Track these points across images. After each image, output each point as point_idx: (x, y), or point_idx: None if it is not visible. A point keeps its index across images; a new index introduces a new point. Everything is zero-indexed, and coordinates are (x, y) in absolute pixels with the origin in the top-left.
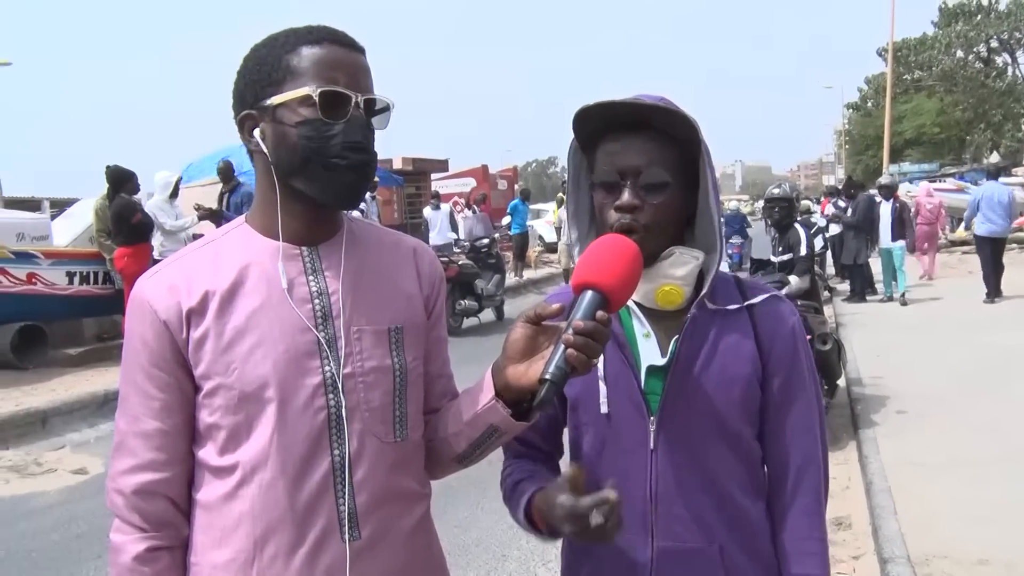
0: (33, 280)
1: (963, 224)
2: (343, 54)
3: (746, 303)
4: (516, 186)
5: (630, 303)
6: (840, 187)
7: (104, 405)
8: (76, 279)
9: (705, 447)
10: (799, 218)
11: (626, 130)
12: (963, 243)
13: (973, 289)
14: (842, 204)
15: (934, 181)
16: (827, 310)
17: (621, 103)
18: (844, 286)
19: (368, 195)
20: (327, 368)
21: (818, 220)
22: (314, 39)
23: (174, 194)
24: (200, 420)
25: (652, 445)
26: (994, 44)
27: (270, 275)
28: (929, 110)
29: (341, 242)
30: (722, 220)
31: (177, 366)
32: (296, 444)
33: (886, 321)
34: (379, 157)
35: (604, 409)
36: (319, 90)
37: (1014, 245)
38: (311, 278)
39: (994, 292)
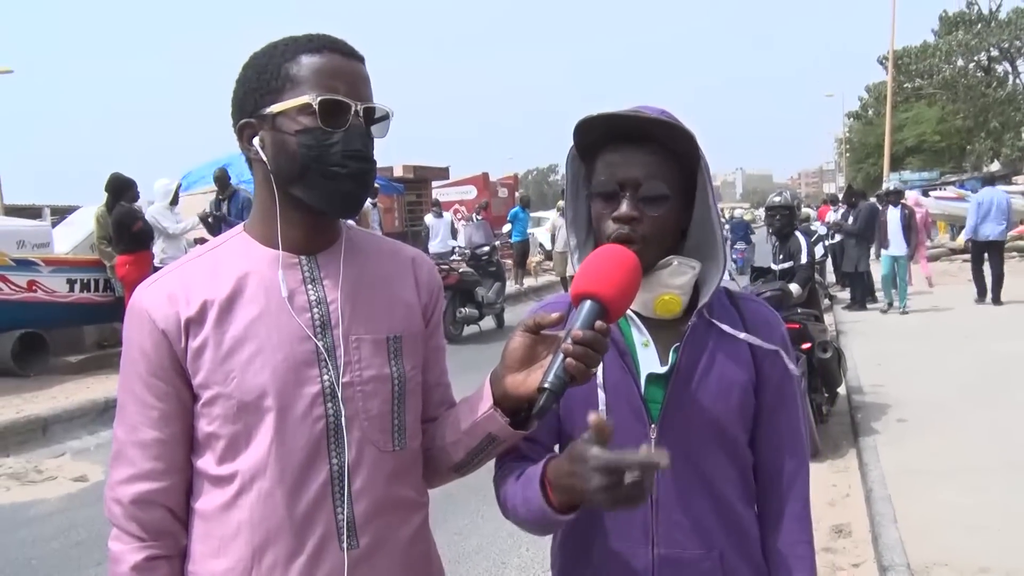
0: (34, 287)
1: (964, 232)
2: (342, 63)
3: (739, 312)
4: (517, 194)
5: (629, 312)
6: (840, 195)
7: (104, 412)
8: (77, 286)
9: (704, 454)
10: (800, 226)
11: (626, 142)
12: (964, 251)
13: (973, 297)
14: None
15: (935, 189)
16: (827, 318)
17: (623, 115)
18: (844, 294)
19: (369, 203)
20: (326, 377)
21: (819, 228)
22: (314, 48)
23: (174, 201)
24: (199, 429)
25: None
26: (995, 53)
27: (269, 284)
28: (930, 118)
29: (340, 251)
30: (725, 231)
31: (175, 375)
32: (295, 453)
33: (886, 329)
34: (379, 165)
35: (604, 417)
36: (319, 99)
37: (1015, 253)
38: (310, 287)
39: (983, 293)
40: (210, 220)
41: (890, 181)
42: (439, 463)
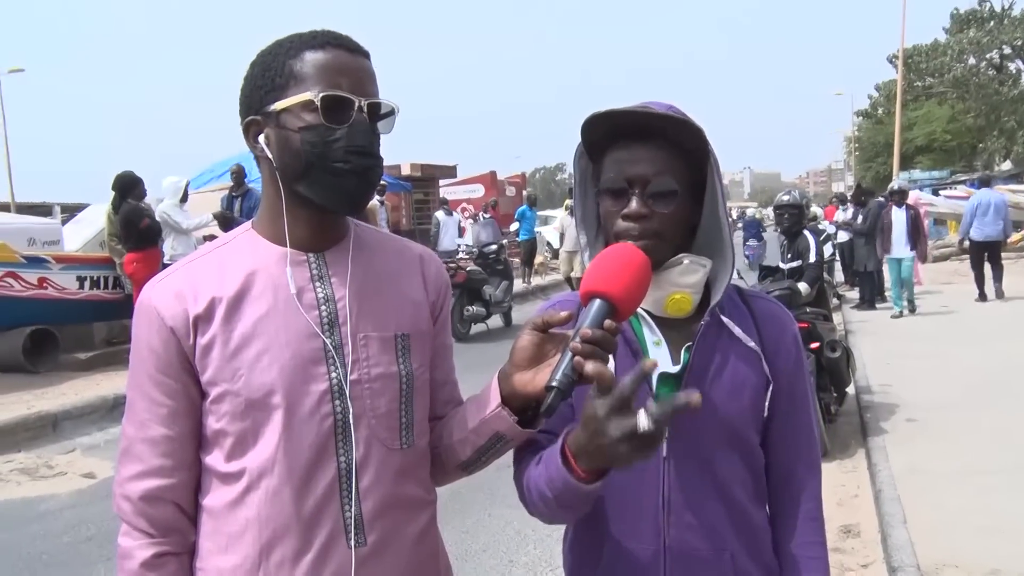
0: (44, 284)
1: (959, 232)
2: (346, 58)
3: (750, 310)
4: (524, 192)
5: (640, 311)
6: (848, 195)
7: (113, 409)
8: (87, 283)
9: (716, 455)
10: (808, 225)
11: (634, 138)
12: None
13: (974, 297)
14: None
15: (945, 188)
16: (836, 317)
17: (630, 112)
18: (853, 293)
19: (377, 201)
20: (334, 375)
21: (827, 227)
22: (317, 44)
23: (184, 198)
24: (207, 426)
25: (664, 453)
26: (1007, 51)
27: (276, 281)
28: (940, 117)
29: (347, 248)
30: (732, 228)
31: (184, 372)
32: (302, 450)
33: (895, 329)
34: (387, 163)
35: None
36: (321, 94)
37: (1013, 254)
38: (317, 284)
39: (983, 293)
40: (224, 216)
41: (898, 180)
42: (446, 461)
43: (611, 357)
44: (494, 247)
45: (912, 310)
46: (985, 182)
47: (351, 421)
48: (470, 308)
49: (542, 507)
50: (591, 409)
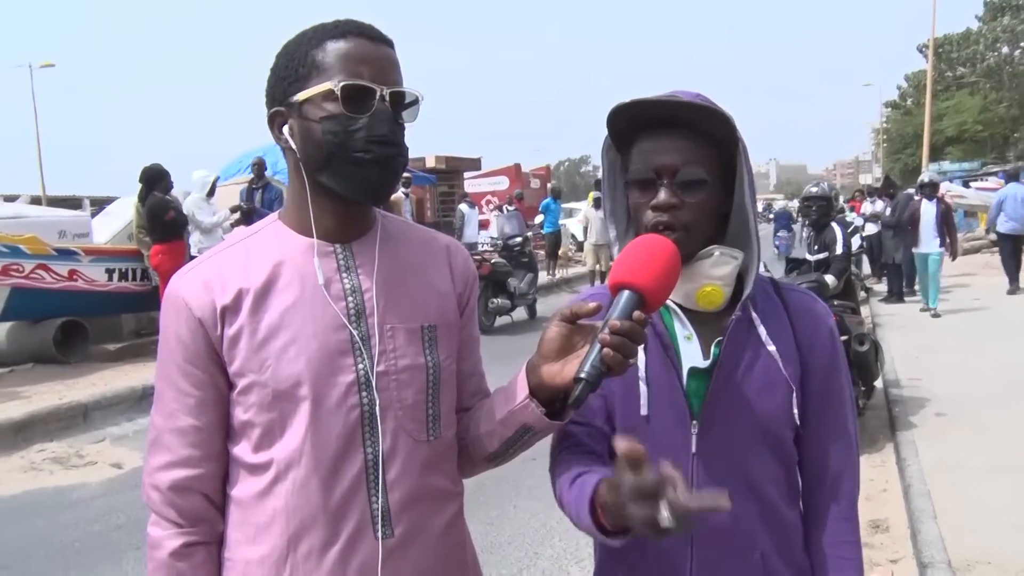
0: (74, 276)
1: (987, 224)
2: (368, 47)
3: (784, 304)
4: (549, 185)
5: (671, 304)
6: (878, 187)
7: (142, 400)
8: (115, 276)
9: (746, 451)
10: (836, 217)
11: (661, 128)
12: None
13: (1006, 288)
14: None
15: (976, 180)
16: (863, 310)
17: (656, 101)
18: (881, 286)
19: (402, 193)
20: (360, 366)
21: (855, 219)
22: (339, 33)
23: (211, 193)
24: (234, 417)
25: (694, 449)
26: None
27: (303, 272)
28: (971, 107)
29: (374, 239)
30: (759, 219)
31: (212, 363)
32: (329, 442)
33: (924, 322)
34: (412, 156)
35: (644, 411)
36: (340, 84)
37: None
38: (344, 275)
39: (1015, 283)
40: (242, 209)
41: (928, 172)
42: (473, 453)
43: (641, 350)
44: (519, 239)
45: (935, 315)
46: (1014, 176)
47: (378, 413)
48: (495, 300)
49: (572, 521)
50: (616, 483)
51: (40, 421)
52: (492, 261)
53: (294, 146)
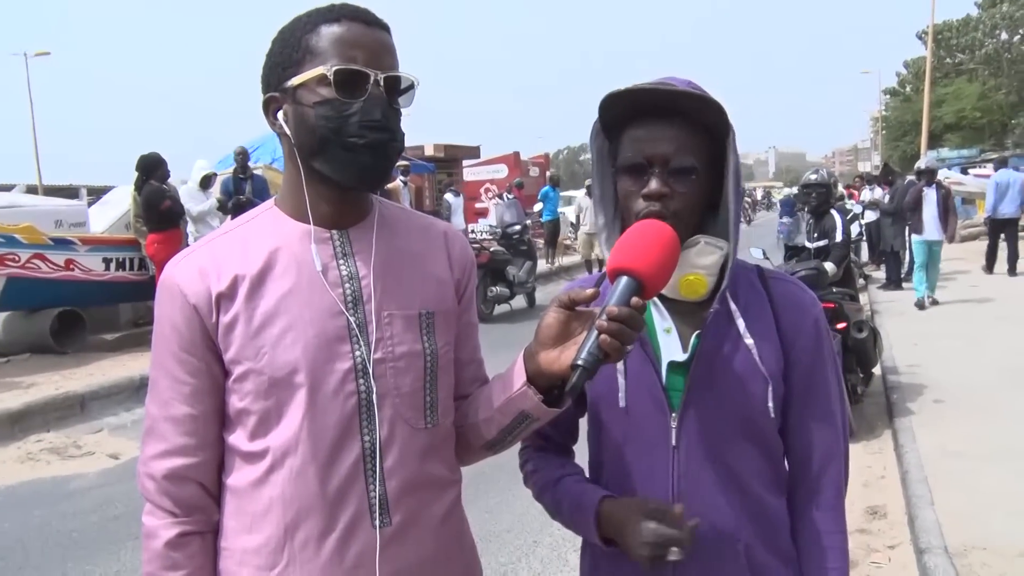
0: (71, 266)
1: (987, 210)
2: (362, 31)
3: (768, 294)
4: (548, 173)
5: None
6: (876, 174)
7: (140, 389)
8: (112, 265)
9: (728, 444)
10: (835, 204)
11: (653, 116)
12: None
13: (1014, 277)
14: (879, 192)
15: (974, 167)
16: (862, 297)
17: (648, 89)
18: (880, 273)
19: (400, 181)
20: (358, 353)
21: (853, 207)
22: (333, 17)
23: (204, 183)
24: (230, 405)
25: (674, 442)
26: None
27: (300, 259)
28: (970, 94)
29: (372, 226)
30: (758, 206)
31: (207, 351)
32: (326, 430)
33: (923, 309)
34: (410, 144)
35: (622, 403)
36: (333, 68)
37: None
38: (341, 262)
39: (991, 265)
40: (230, 205)
41: (925, 159)
42: (471, 440)
43: None
44: (518, 227)
45: (934, 302)
46: (1003, 163)
47: (375, 400)
48: (494, 288)
49: (551, 513)
50: (636, 529)
51: (37, 411)
52: (491, 249)
53: (288, 132)
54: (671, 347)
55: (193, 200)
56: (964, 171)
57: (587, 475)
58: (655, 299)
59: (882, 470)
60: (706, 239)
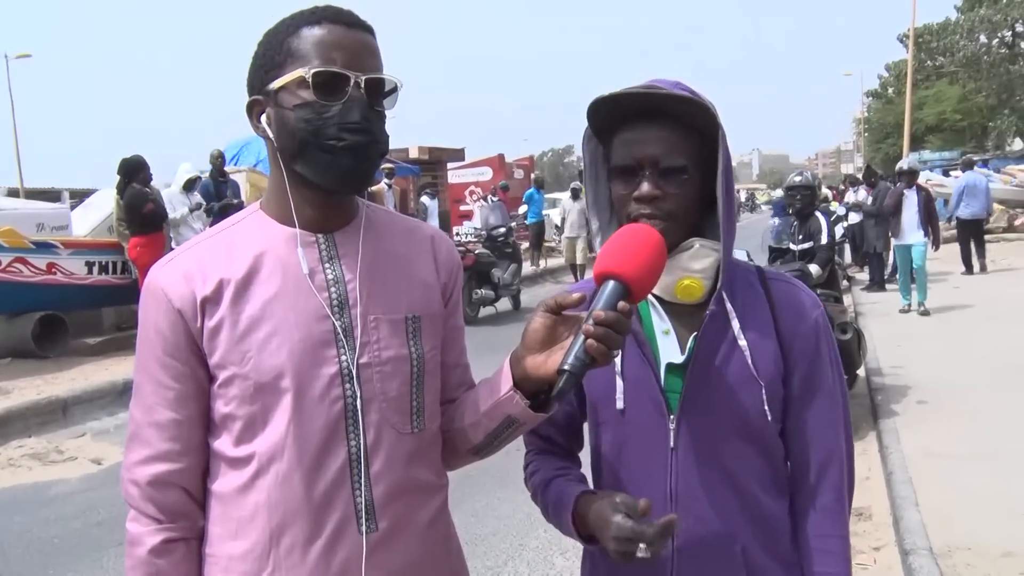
0: (53, 270)
1: (948, 211)
2: (343, 33)
3: (768, 295)
4: (532, 175)
5: (650, 297)
6: (859, 176)
7: (123, 394)
8: (95, 268)
9: (726, 445)
10: (820, 206)
11: (642, 119)
12: (985, 232)
13: (994, 278)
14: (863, 193)
15: (955, 169)
16: (846, 299)
17: (636, 92)
18: (863, 275)
19: (384, 184)
20: (343, 358)
21: (837, 209)
22: (314, 19)
23: (187, 186)
24: (215, 410)
25: (672, 444)
26: (1019, 28)
27: (286, 262)
28: (951, 97)
29: (358, 229)
30: (741, 208)
31: (192, 355)
32: (312, 435)
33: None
34: (394, 147)
35: (620, 405)
36: (312, 71)
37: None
38: (327, 266)
39: (970, 267)
40: (216, 208)
41: (907, 159)
42: (458, 445)
43: None
44: (502, 230)
45: (924, 312)
46: (968, 165)
47: (361, 405)
48: (479, 291)
49: (544, 515)
50: (605, 516)
51: (18, 416)
52: (476, 252)
53: (271, 135)
54: (669, 349)
55: (172, 204)
56: (946, 173)
57: (588, 477)
58: (654, 301)
59: (867, 471)
60: (701, 242)
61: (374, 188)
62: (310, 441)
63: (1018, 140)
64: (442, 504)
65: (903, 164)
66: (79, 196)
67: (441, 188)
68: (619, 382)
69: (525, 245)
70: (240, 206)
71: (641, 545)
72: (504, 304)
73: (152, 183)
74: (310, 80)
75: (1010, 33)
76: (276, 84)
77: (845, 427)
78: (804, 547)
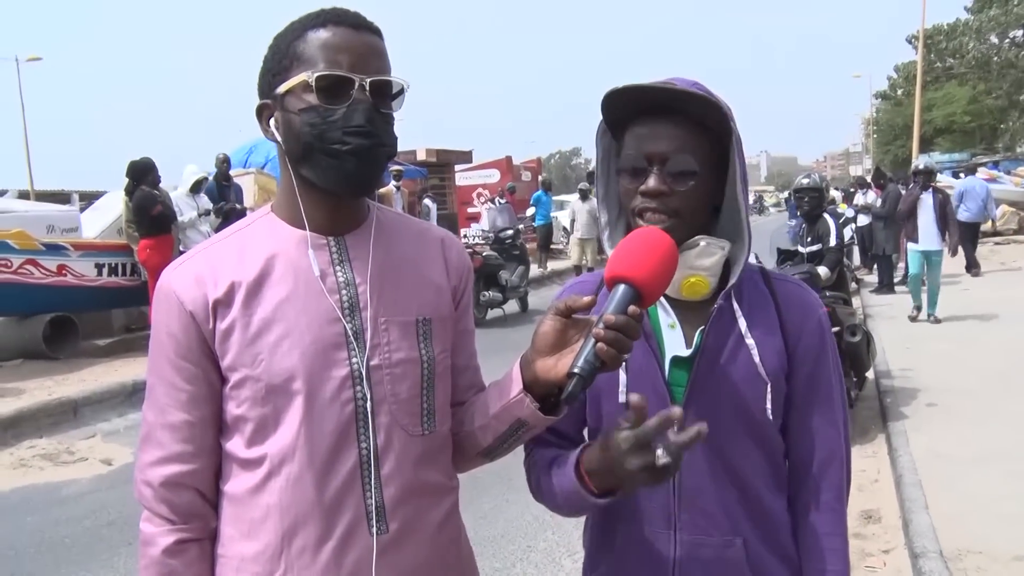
0: (63, 272)
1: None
2: (348, 36)
3: (772, 294)
4: (540, 177)
5: None
6: (868, 178)
7: (133, 395)
8: (105, 270)
9: (729, 440)
10: (828, 208)
11: (656, 114)
12: (995, 233)
13: (1005, 281)
14: (872, 196)
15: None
16: (855, 301)
17: (652, 87)
18: (872, 277)
19: (393, 186)
20: (355, 360)
21: (846, 211)
22: (320, 22)
23: (195, 188)
24: (227, 412)
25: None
26: None
27: (297, 265)
28: (960, 98)
29: (368, 232)
30: (750, 210)
31: (204, 357)
32: (323, 437)
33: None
34: (402, 149)
35: (622, 398)
36: (315, 74)
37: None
38: (338, 268)
39: (973, 266)
40: (236, 209)
41: (922, 158)
42: (467, 448)
43: None
44: (510, 232)
45: (936, 320)
46: (971, 170)
47: (371, 407)
48: (487, 293)
49: (551, 505)
50: (615, 441)
51: (30, 417)
52: (484, 254)
53: (279, 139)
54: (675, 342)
55: (180, 206)
56: (956, 175)
57: None
58: (660, 296)
59: (876, 474)
60: (707, 240)
61: (383, 190)
62: (321, 443)
63: None
64: (453, 506)
65: (919, 164)
66: (88, 198)
67: (449, 190)
68: (622, 375)
69: (533, 247)
70: (242, 212)
71: (659, 452)
72: (512, 306)
73: (161, 185)
74: (314, 84)
75: (1021, 33)
76: (282, 88)
77: (844, 426)
78: (805, 544)
